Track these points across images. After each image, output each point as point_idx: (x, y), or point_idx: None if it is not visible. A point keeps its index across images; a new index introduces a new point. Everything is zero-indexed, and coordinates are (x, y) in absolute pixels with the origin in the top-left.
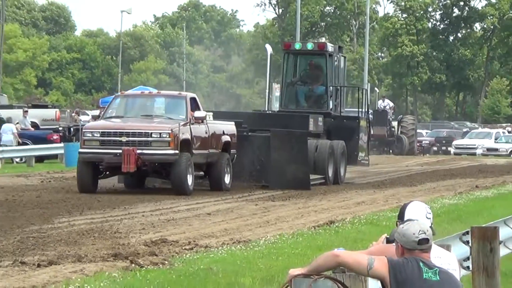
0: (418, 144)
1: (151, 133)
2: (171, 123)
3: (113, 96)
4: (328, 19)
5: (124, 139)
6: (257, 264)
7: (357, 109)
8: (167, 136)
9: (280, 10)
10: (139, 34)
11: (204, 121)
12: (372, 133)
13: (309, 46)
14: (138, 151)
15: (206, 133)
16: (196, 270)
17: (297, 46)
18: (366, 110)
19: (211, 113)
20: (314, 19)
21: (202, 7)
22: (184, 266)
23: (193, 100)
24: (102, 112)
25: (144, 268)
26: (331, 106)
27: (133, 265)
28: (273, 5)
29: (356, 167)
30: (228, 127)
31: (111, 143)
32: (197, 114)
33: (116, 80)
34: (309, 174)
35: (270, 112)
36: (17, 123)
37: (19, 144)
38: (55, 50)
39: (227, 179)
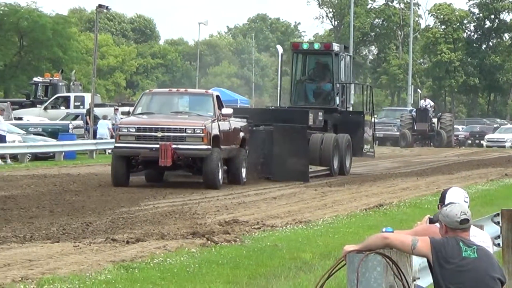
0: (455, 138)
1: (186, 128)
2: (202, 119)
3: (142, 93)
4: (377, 30)
5: (159, 134)
6: (316, 241)
7: (401, 108)
8: (201, 132)
9: (336, 22)
10: (214, 43)
11: (227, 118)
12: (415, 128)
13: (316, 46)
14: (174, 146)
15: (229, 129)
16: (264, 246)
17: (305, 46)
18: (372, 105)
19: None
20: (365, 30)
21: (269, 19)
22: (253, 243)
23: (218, 98)
24: (132, 109)
25: (218, 244)
26: (337, 102)
27: (209, 242)
28: (330, 18)
29: (371, 159)
30: (243, 123)
31: (147, 138)
32: (225, 111)
33: (194, 83)
34: (308, 166)
35: (272, 107)
36: (109, 119)
37: (112, 137)
38: (142, 57)
39: (243, 173)
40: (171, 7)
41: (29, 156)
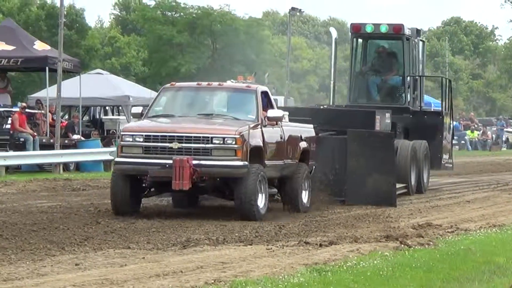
0: None
1: (212, 137)
2: (238, 124)
3: (161, 88)
4: None
5: (175, 145)
6: (510, 245)
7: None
8: (233, 142)
9: None
10: None
11: (279, 123)
12: None
13: (383, 28)
14: (194, 162)
15: (281, 138)
16: (457, 250)
17: (369, 28)
18: (450, 104)
19: (287, 113)
20: None
21: (463, 22)
22: (447, 246)
23: (264, 95)
24: (146, 109)
25: (411, 248)
26: (408, 99)
27: (402, 245)
28: None
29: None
30: (306, 130)
31: (158, 151)
32: (272, 113)
33: None
34: (395, 185)
35: (324, 107)
36: None
37: None
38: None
39: (305, 197)
40: (365, 10)
41: None
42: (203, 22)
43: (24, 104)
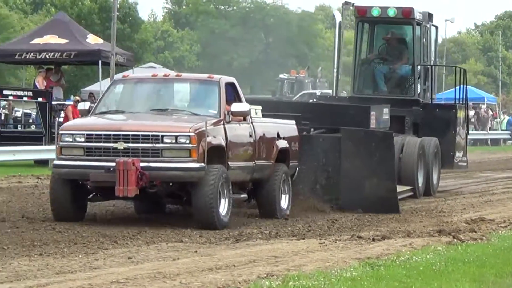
0: None
1: (163, 136)
2: (194, 121)
3: (112, 81)
4: None
5: (121, 145)
6: None
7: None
8: (187, 141)
9: None
10: (461, 40)
11: (248, 118)
12: None
13: (391, 12)
14: (142, 165)
15: (251, 136)
16: (510, 245)
17: (375, 12)
18: (465, 96)
19: (260, 108)
20: None
21: None
22: (500, 241)
23: (230, 87)
24: (94, 104)
25: (464, 242)
26: (419, 91)
27: (455, 240)
28: None
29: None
30: (285, 126)
31: (101, 152)
32: (236, 107)
33: (441, 81)
34: (396, 190)
35: (313, 101)
36: None
37: None
38: None
39: (284, 202)
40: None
41: None
42: (256, 16)
43: (77, 97)
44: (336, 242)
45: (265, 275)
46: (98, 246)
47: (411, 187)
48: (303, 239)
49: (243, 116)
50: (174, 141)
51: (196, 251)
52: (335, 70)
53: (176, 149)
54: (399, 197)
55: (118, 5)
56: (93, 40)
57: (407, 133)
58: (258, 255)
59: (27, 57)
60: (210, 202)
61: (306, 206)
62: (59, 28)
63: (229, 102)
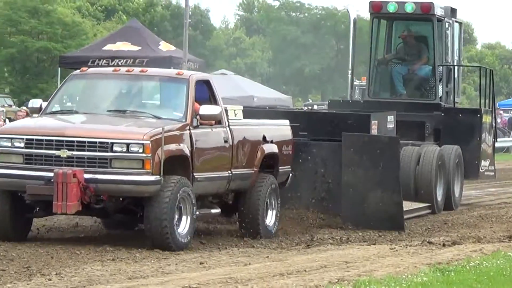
0: None
1: (112, 143)
2: (153, 125)
3: (68, 75)
4: None
5: (63, 153)
6: None
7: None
8: (140, 150)
9: None
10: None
11: (224, 121)
12: None
13: (409, 7)
14: (87, 176)
15: (226, 141)
16: None
17: (392, 7)
18: (493, 99)
19: (240, 108)
20: None
21: None
22: None
23: (202, 85)
24: (47, 103)
25: None
26: (440, 94)
27: None
28: None
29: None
30: (275, 128)
31: (42, 160)
32: (204, 110)
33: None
34: (402, 205)
35: (308, 108)
36: None
37: None
38: None
39: (270, 218)
40: (489, 11)
41: None
42: (327, 23)
43: None
44: (406, 248)
45: (336, 280)
46: (170, 251)
47: (428, 204)
48: (374, 244)
49: (214, 120)
50: (125, 149)
51: (268, 257)
52: (349, 71)
53: (127, 159)
54: (414, 215)
55: (190, 12)
56: (165, 47)
57: (427, 140)
58: (329, 261)
59: (100, 63)
60: (163, 222)
61: (303, 222)
62: (132, 35)
63: (201, 103)
